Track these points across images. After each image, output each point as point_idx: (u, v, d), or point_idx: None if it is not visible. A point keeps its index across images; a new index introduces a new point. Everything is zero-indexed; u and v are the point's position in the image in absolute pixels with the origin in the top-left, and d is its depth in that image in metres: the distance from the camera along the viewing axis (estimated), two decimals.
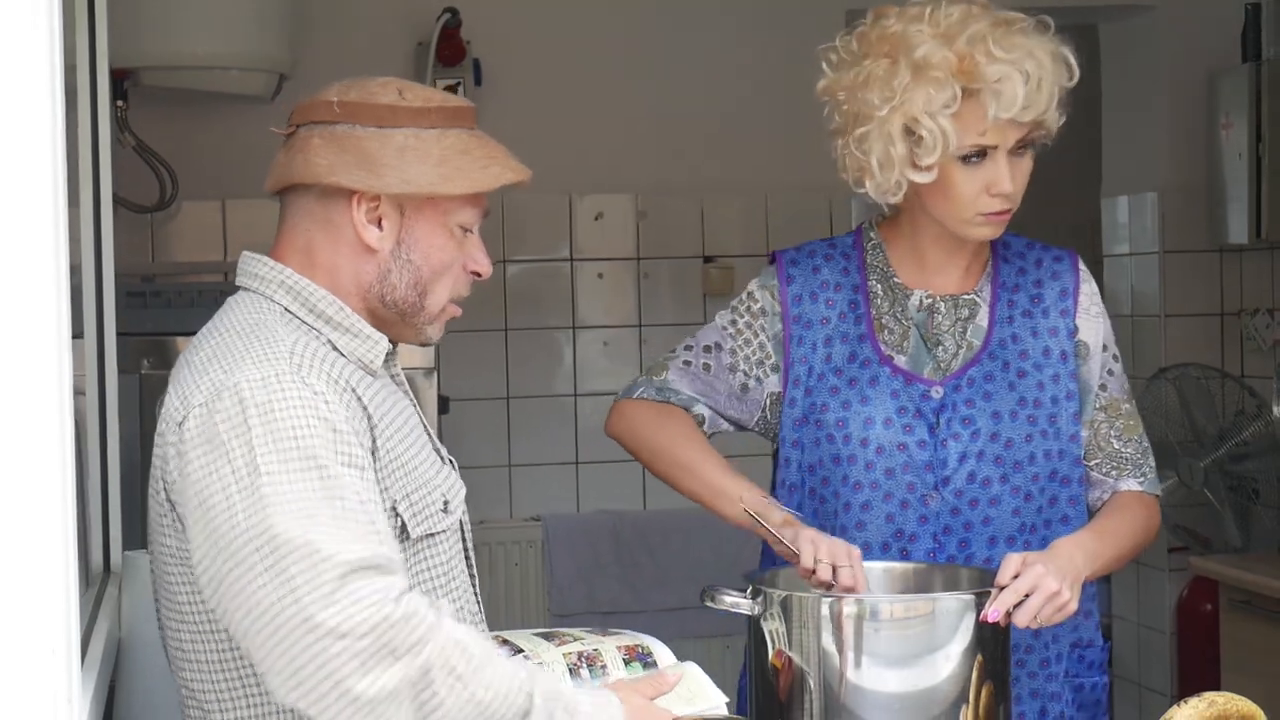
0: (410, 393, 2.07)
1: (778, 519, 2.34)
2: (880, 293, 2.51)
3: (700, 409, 2.53)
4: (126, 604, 2.69)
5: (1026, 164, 2.41)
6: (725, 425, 2.57)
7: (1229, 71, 4.73)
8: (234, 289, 2.01)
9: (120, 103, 4.17)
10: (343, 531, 1.73)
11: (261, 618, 1.72)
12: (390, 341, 2.01)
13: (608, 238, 4.86)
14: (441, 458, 2.04)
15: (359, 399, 1.88)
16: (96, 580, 2.81)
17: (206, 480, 1.78)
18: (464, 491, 2.04)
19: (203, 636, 1.89)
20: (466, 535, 2.06)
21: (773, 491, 2.53)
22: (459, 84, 4.52)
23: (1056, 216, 6.57)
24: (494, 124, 2.07)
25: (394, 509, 1.88)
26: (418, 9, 4.58)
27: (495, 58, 4.65)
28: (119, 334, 2.98)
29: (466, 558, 2.05)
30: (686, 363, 2.55)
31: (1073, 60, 2.41)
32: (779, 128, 4.83)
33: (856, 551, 2.28)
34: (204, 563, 1.78)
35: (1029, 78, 2.33)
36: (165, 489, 1.87)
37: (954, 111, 2.34)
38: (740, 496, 2.39)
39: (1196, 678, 4.54)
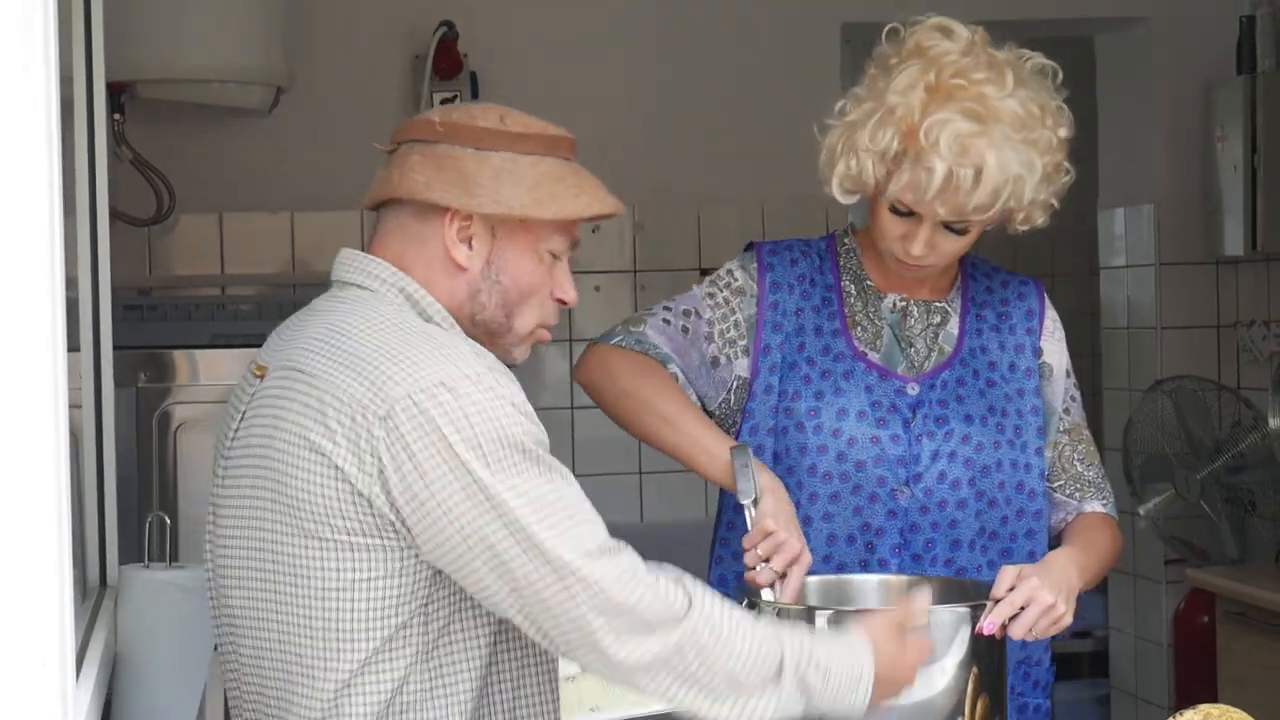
0: None
1: (765, 481, 2.33)
2: (854, 293, 2.52)
3: (674, 368, 2.48)
4: (123, 618, 2.69)
5: (960, 242, 2.39)
6: (693, 395, 2.50)
7: (1224, 84, 4.74)
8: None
9: (117, 116, 4.18)
10: (575, 519, 1.87)
11: (537, 610, 1.86)
12: None
13: (604, 250, 4.86)
14: None
15: None
16: (93, 594, 2.81)
17: (441, 477, 1.84)
18: None
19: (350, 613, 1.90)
20: None
21: None
22: (456, 96, 4.52)
23: (1054, 229, 6.58)
24: None
25: None
26: (415, 22, 4.58)
27: (492, 71, 4.65)
28: (115, 347, 2.98)
29: None
30: (666, 320, 2.51)
31: (1057, 141, 2.36)
32: (775, 139, 4.82)
33: (805, 561, 2.28)
34: (449, 555, 1.85)
35: (957, 179, 2.29)
36: (366, 477, 1.85)
37: (890, 159, 2.33)
38: (722, 453, 2.37)
39: (1194, 690, 4.54)
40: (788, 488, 2.39)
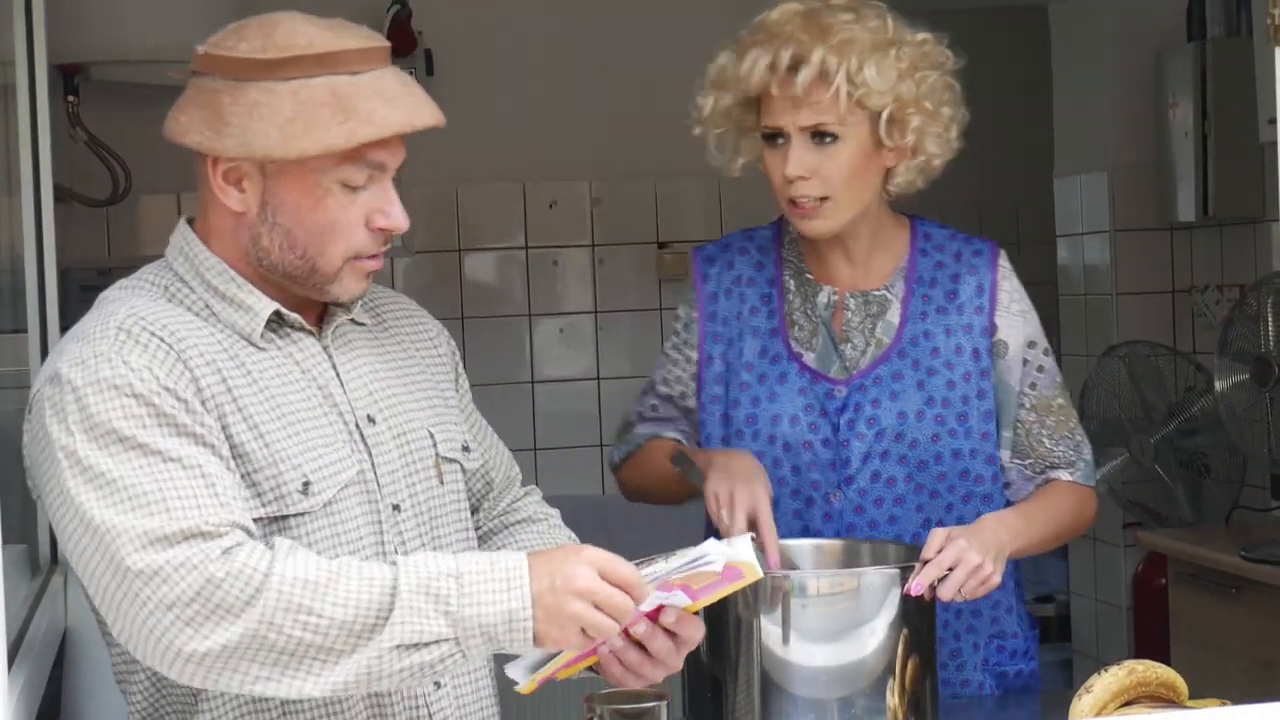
0: (341, 361, 1.96)
1: (715, 457, 2.35)
2: (792, 288, 2.52)
3: (671, 435, 2.57)
4: (74, 594, 2.71)
5: (837, 159, 2.37)
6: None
7: (1175, 51, 4.76)
8: None
9: (71, 98, 4.18)
10: (167, 507, 1.72)
11: (105, 604, 1.75)
12: (312, 308, 1.94)
13: (562, 225, 4.88)
14: (361, 435, 1.94)
15: (218, 372, 1.84)
16: (43, 571, 2.83)
17: (39, 468, 1.80)
18: (391, 471, 1.94)
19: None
20: (384, 515, 1.94)
21: None
22: (411, 73, 4.52)
23: (1012, 198, 6.61)
24: (446, 114, 1.95)
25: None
26: (368, 0, 4.59)
27: (446, 47, 4.67)
28: (70, 327, 2.98)
29: (395, 547, 1.94)
30: (642, 415, 2.60)
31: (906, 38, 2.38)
32: None
33: (762, 497, 2.28)
34: (60, 546, 1.81)
35: (778, 61, 2.34)
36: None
37: (735, 83, 2.40)
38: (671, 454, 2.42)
39: (1152, 651, 4.56)
40: None
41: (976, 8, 5.75)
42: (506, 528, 2.21)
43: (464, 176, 4.78)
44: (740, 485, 2.29)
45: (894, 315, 2.49)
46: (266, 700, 1.87)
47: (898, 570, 2.23)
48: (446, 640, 1.74)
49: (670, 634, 1.89)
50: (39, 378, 1.84)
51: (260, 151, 1.80)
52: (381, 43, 1.89)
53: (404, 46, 4.55)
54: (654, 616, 1.88)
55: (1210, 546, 4.11)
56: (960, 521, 2.45)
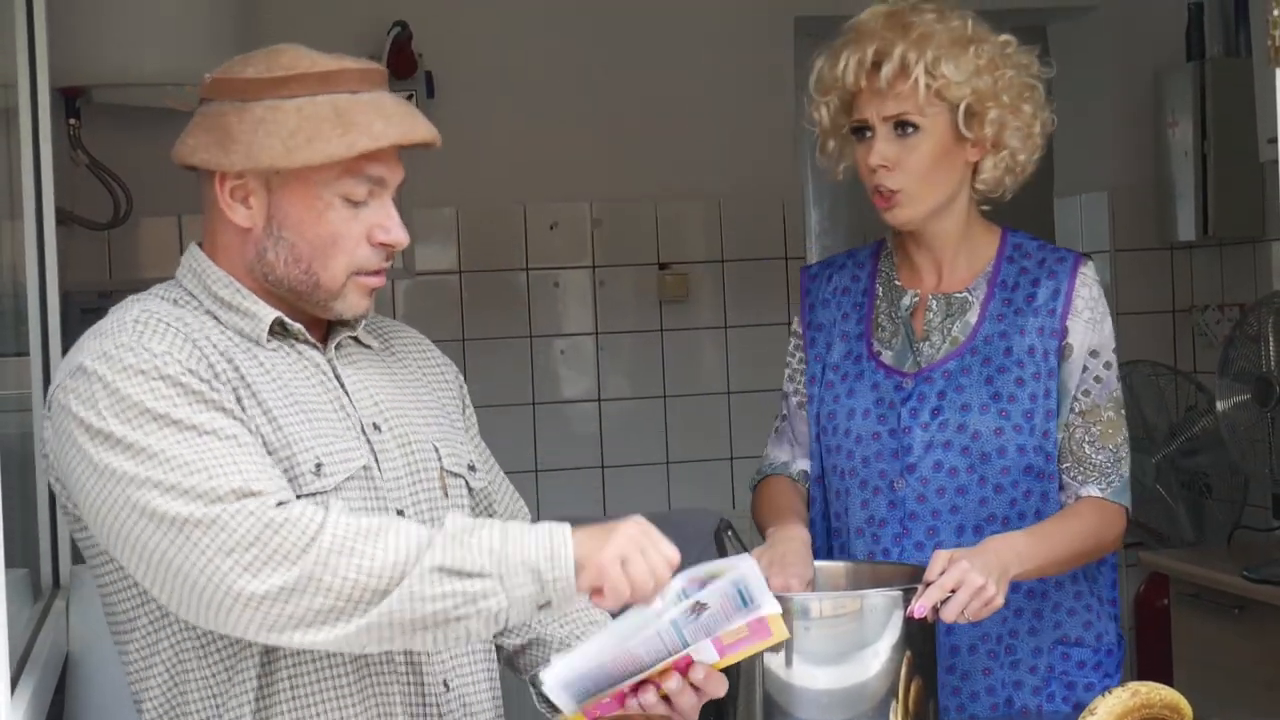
0: (349, 376, 2.01)
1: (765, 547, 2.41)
2: (881, 294, 2.61)
3: (799, 465, 2.63)
4: (76, 618, 2.72)
5: (918, 150, 2.46)
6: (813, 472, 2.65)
7: (1174, 70, 4.78)
8: None
9: (73, 121, 4.19)
10: (210, 473, 1.78)
11: (145, 560, 1.79)
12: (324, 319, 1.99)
13: (563, 246, 4.88)
14: (366, 435, 1.98)
15: (230, 360, 1.90)
16: (45, 595, 2.83)
17: (65, 459, 1.84)
18: (396, 463, 1.99)
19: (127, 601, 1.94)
20: (393, 506, 1.99)
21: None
22: (411, 96, 4.54)
23: (1012, 218, 6.62)
24: (447, 135, 2.03)
25: None
26: (369, 22, 4.60)
27: (447, 70, 4.68)
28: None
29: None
30: (777, 430, 2.68)
31: (975, 36, 2.46)
32: (730, 133, 4.86)
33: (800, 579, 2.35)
34: (95, 530, 1.84)
35: (864, 57, 2.43)
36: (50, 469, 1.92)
37: (834, 84, 2.48)
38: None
39: (1154, 672, 4.56)
40: (825, 488, 2.57)
41: None
42: None
43: (464, 198, 4.79)
44: (776, 572, 2.33)
45: (973, 315, 2.55)
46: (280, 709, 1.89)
47: (900, 592, 2.23)
48: (488, 576, 1.78)
49: (695, 689, 1.95)
50: (59, 374, 1.89)
51: (265, 162, 1.87)
52: (380, 68, 1.98)
53: (405, 69, 4.57)
54: (683, 670, 1.92)
55: (1212, 567, 4.11)
56: (1022, 519, 2.48)
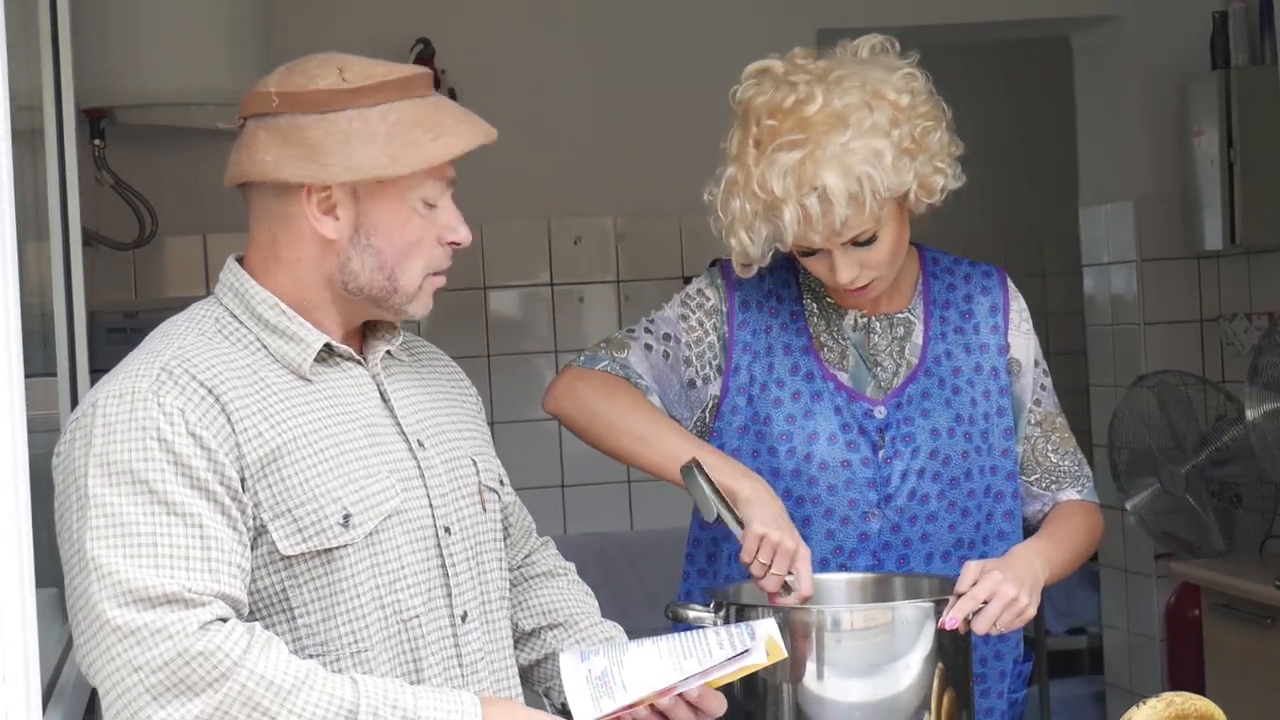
0: (392, 387, 2.00)
1: (745, 490, 2.29)
2: (815, 310, 2.50)
3: (654, 399, 2.47)
4: None
5: (882, 248, 2.35)
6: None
7: (1199, 79, 4.76)
8: None
9: (97, 141, 4.21)
10: (156, 560, 1.76)
11: (79, 637, 1.80)
12: (359, 337, 1.99)
13: (587, 261, 4.88)
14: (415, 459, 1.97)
15: (262, 410, 1.86)
16: None
17: (59, 486, 1.85)
18: (430, 499, 1.96)
19: None
20: (438, 537, 1.97)
21: None
22: None
23: (1037, 228, 6.60)
24: (470, 152, 1.98)
25: (264, 527, 1.85)
26: (391, 39, 4.61)
27: (470, 86, 4.68)
28: (100, 371, 2.99)
29: (445, 569, 1.96)
30: (648, 346, 2.49)
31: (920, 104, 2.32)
32: None
33: (805, 554, 2.26)
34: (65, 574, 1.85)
35: (808, 211, 2.28)
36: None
37: (756, 223, 2.33)
38: (692, 456, 2.29)
39: (1187, 683, 4.54)
40: None
41: (1000, 40, 5.75)
42: (526, 580, 2.23)
43: (488, 213, 4.78)
44: (788, 537, 2.26)
45: (918, 336, 2.50)
46: None
47: (932, 604, 2.22)
48: None
49: (691, 706, 1.97)
50: (83, 402, 1.88)
51: (370, 173, 1.87)
52: (429, 72, 1.98)
53: None
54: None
55: (1244, 577, 4.08)
56: (985, 542, 2.46)
